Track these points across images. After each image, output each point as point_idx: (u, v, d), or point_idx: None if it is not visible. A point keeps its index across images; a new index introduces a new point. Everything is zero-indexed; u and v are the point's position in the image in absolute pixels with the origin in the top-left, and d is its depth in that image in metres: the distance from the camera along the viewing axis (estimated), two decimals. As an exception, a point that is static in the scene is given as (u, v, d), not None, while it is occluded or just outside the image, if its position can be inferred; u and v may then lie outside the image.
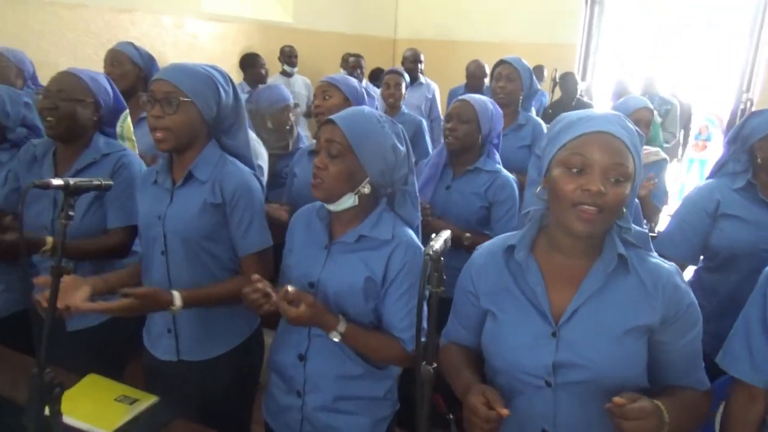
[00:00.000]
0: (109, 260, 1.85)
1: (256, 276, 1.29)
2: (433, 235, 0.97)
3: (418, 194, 1.47)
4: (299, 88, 5.18)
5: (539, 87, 2.84)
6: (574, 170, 1.03)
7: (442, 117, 4.64)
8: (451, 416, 1.88)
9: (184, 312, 1.53)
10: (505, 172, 2.18)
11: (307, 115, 4.92)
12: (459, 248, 2.00)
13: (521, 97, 2.65)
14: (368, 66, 5.69)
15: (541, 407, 1.12)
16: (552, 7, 6.53)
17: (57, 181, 1.16)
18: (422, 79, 4.80)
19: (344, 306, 1.37)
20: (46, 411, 1.18)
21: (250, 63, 4.77)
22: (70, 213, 1.18)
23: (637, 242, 1.12)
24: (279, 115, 2.88)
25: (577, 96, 5.15)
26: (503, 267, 1.18)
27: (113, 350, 1.85)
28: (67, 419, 1.26)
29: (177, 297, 1.45)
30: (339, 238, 1.40)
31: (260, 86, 3.12)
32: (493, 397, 1.04)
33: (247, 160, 1.62)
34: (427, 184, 2.18)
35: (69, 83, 1.75)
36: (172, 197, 1.54)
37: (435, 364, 0.96)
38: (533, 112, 2.82)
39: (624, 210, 1.06)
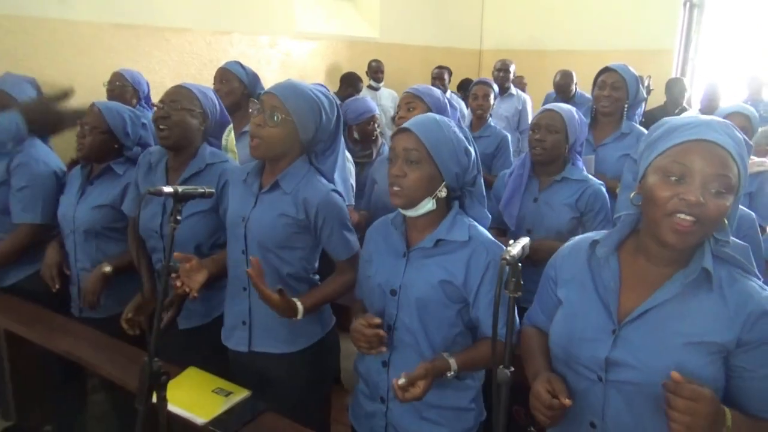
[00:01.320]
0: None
1: (374, 320, 1.37)
2: (511, 241, 0.99)
3: (484, 194, 1.49)
4: (386, 100, 5.30)
5: (645, 95, 2.74)
6: (673, 178, 1.00)
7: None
8: (533, 429, 1.86)
9: (260, 305, 1.59)
10: (593, 179, 2.13)
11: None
12: None
13: (626, 106, 2.56)
14: (455, 77, 5.72)
15: (591, 401, 1.12)
16: (646, 12, 6.26)
17: (167, 189, 1.29)
18: (513, 89, 4.77)
19: (427, 311, 1.39)
20: (154, 398, 1.31)
21: (350, 82, 4.95)
22: (178, 218, 1.31)
23: (736, 257, 1.07)
24: (365, 126, 3.00)
25: (682, 104, 4.88)
26: (584, 260, 1.19)
27: (213, 349, 1.94)
28: (170, 406, 1.37)
29: (301, 310, 1.56)
30: (417, 245, 1.43)
31: (348, 100, 3.24)
32: (558, 387, 1.07)
33: (332, 181, 1.69)
34: (513, 197, 2.15)
35: (180, 95, 1.90)
36: (256, 201, 1.64)
37: (512, 368, 0.97)
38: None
39: (725, 222, 1.02)
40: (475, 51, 7.41)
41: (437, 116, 1.43)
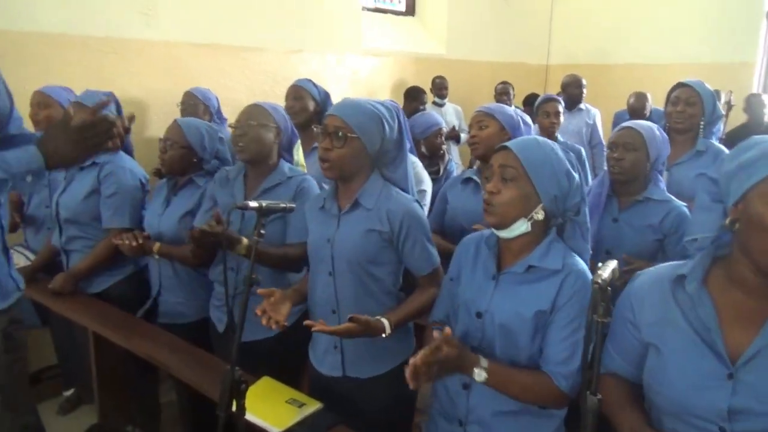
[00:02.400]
0: (285, 270, 2.04)
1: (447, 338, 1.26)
2: (600, 264, 0.96)
3: (589, 226, 1.43)
4: (450, 116, 5.29)
5: (722, 112, 2.62)
6: None
7: (603, 143, 4.46)
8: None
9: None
10: (676, 200, 2.04)
11: (450, 137, 4.98)
12: None
13: (702, 123, 2.46)
14: (520, 93, 5.66)
15: None
16: (724, 23, 5.98)
17: (253, 204, 1.35)
18: (582, 104, 4.67)
19: (511, 339, 1.35)
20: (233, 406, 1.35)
21: (414, 96, 4.99)
22: (262, 231, 1.35)
23: None
24: (433, 140, 3.01)
25: (766, 122, 4.61)
26: (669, 297, 1.11)
27: (287, 361, 2.00)
28: (247, 414, 1.42)
29: (387, 325, 1.55)
30: (508, 268, 1.39)
31: (415, 115, 3.28)
32: None
33: (407, 190, 1.70)
34: (591, 216, 2.05)
35: (255, 112, 2.01)
36: (339, 222, 1.66)
37: (600, 396, 0.94)
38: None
39: None
40: (542, 66, 7.30)
41: (539, 138, 1.41)
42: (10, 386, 1.58)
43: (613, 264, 0.98)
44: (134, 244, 2.12)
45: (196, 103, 3.40)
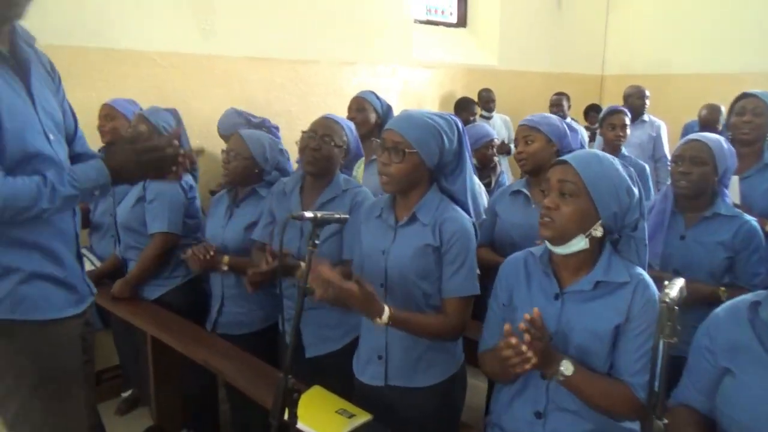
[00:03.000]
0: None
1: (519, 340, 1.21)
2: (666, 282, 0.93)
3: (647, 242, 1.39)
4: (499, 128, 5.23)
5: None
6: None
7: (668, 156, 4.32)
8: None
9: (396, 340, 1.63)
10: (746, 215, 1.95)
11: (501, 150, 4.93)
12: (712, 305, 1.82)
13: None
14: (574, 104, 5.55)
15: None
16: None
17: (308, 214, 1.36)
18: (646, 116, 4.53)
19: (588, 357, 1.32)
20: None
21: (464, 107, 4.98)
22: (316, 242, 1.37)
23: None
24: (484, 152, 2.99)
25: None
26: (746, 323, 1.08)
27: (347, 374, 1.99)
28: (298, 423, 1.42)
29: (387, 314, 1.49)
30: (572, 286, 1.35)
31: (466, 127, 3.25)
32: None
33: (464, 205, 1.67)
34: (656, 234, 1.99)
35: (333, 130, 2.03)
36: (395, 235, 1.66)
37: (666, 420, 0.90)
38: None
39: None
40: (597, 76, 7.14)
41: (599, 152, 1.38)
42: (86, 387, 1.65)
43: (680, 282, 0.94)
44: (207, 257, 2.12)
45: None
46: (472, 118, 4.97)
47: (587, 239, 1.31)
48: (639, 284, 1.30)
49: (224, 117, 3.38)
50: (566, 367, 1.25)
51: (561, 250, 1.35)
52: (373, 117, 2.88)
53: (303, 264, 1.86)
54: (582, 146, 2.32)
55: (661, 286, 0.93)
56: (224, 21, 3.69)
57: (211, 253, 2.14)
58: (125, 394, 3.06)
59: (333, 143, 2.00)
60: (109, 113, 2.76)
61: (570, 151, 2.12)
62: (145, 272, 2.46)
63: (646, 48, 6.71)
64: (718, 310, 1.17)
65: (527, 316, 1.22)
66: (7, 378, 1.46)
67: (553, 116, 2.25)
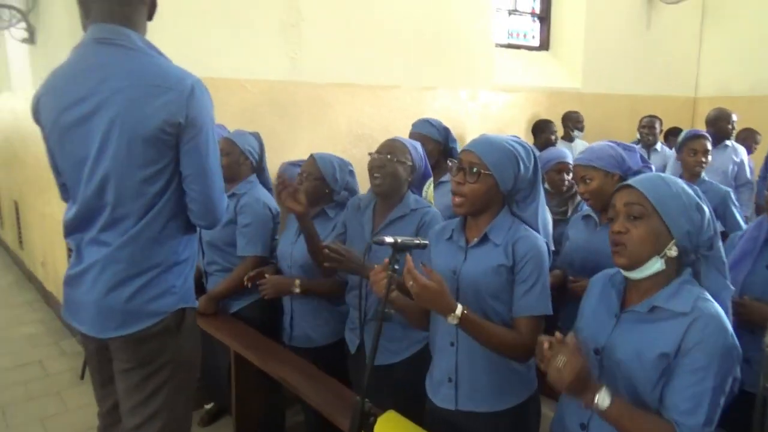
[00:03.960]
0: None
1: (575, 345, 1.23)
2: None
3: (725, 260, 1.33)
4: (579, 152, 5.08)
5: None
6: None
7: (752, 182, 4.06)
8: None
9: (466, 363, 1.62)
10: None
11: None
12: None
13: None
14: (665, 127, 5.30)
15: None
16: None
17: (389, 239, 1.39)
18: (729, 141, 4.29)
19: (633, 378, 1.28)
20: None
21: (542, 128, 4.91)
22: (396, 266, 1.39)
23: None
24: (553, 175, 2.87)
25: None
26: None
27: (413, 389, 1.99)
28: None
29: (459, 309, 1.45)
30: (631, 307, 1.33)
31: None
32: None
33: (536, 230, 1.66)
34: (743, 260, 1.90)
35: (396, 148, 2.11)
36: (466, 255, 1.66)
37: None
38: None
39: None
40: (689, 98, 6.80)
41: (660, 173, 1.36)
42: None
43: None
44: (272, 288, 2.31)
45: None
46: (553, 137, 4.86)
47: (663, 260, 1.28)
48: (700, 318, 1.22)
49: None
50: (602, 399, 1.20)
51: (636, 274, 1.32)
52: (434, 148, 2.93)
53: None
54: (645, 162, 2.22)
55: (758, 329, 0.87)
56: (311, 49, 3.85)
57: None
58: (207, 406, 3.18)
59: (397, 160, 2.06)
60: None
61: (634, 173, 2.06)
62: (231, 291, 2.58)
63: (743, 68, 6.33)
64: None
65: (558, 335, 1.23)
66: (160, 359, 1.62)
67: (604, 144, 2.17)
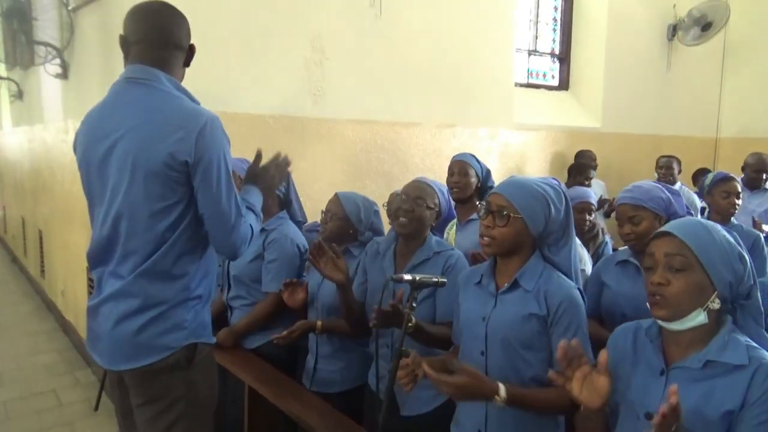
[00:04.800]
0: (437, 348, 1.98)
1: None
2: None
3: (762, 309, 1.28)
4: (596, 190, 5.04)
5: None
6: None
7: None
8: None
9: (496, 414, 1.57)
10: None
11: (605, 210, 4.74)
12: None
13: None
14: (686, 168, 5.26)
15: None
16: None
17: (407, 277, 1.38)
18: (766, 185, 4.24)
19: None
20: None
21: (579, 170, 4.92)
22: (414, 304, 1.37)
23: None
24: (575, 215, 2.84)
25: None
26: None
27: None
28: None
29: (502, 389, 1.43)
30: (679, 363, 1.26)
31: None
32: None
33: (569, 274, 1.62)
34: None
35: (425, 192, 2.06)
36: (496, 301, 1.62)
37: None
38: None
39: None
40: (711, 139, 6.75)
41: (701, 219, 1.31)
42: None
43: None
44: (296, 335, 2.28)
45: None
46: (586, 183, 4.83)
47: (705, 313, 1.22)
48: (760, 368, 1.17)
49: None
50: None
51: (676, 326, 1.26)
52: (474, 181, 2.88)
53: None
54: (688, 209, 2.16)
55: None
56: (333, 86, 3.92)
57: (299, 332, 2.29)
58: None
59: (425, 205, 2.02)
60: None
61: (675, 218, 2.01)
62: (254, 326, 2.55)
63: (765, 108, 6.29)
64: None
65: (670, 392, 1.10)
66: (171, 395, 1.61)
67: (653, 185, 2.10)
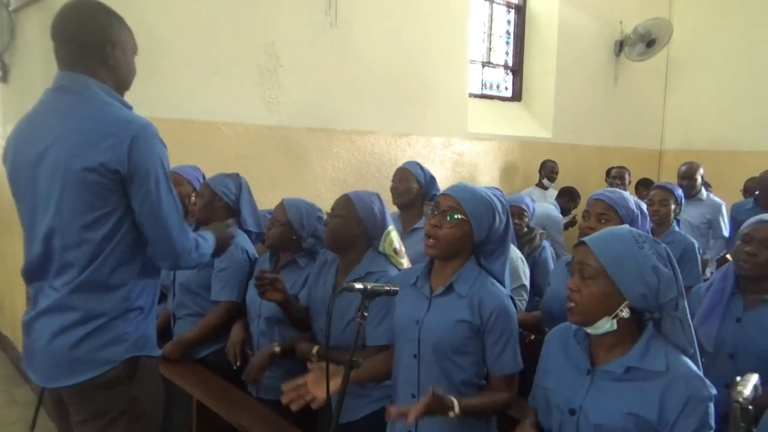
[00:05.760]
0: None
1: None
2: (738, 378, 0.86)
3: (690, 322, 1.31)
4: (551, 199, 5.18)
5: None
6: None
7: (724, 236, 4.14)
8: None
9: (429, 417, 1.53)
10: None
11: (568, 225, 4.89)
12: None
13: None
14: (633, 178, 5.44)
15: None
16: None
17: (358, 286, 1.36)
18: (703, 194, 4.36)
19: None
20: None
21: (571, 196, 5.11)
22: (365, 314, 1.36)
23: None
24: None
25: None
26: None
27: None
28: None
29: (456, 405, 1.44)
30: (603, 366, 1.31)
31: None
32: None
33: (502, 283, 1.66)
34: (711, 314, 1.90)
35: (339, 203, 2.06)
36: (429, 305, 1.63)
37: None
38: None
39: None
40: (656, 151, 7.03)
41: (625, 229, 1.33)
42: None
43: (754, 379, 0.87)
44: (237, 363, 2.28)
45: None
46: (574, 207, 5.03)
47: (614, 321, 1.27)
48: (677, 379, 1.21)
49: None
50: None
51: (591, 331, 1.32)
52: (415, 187, 2.94)
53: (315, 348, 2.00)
54: (650, 232, 2.22)
55: (732, 384, 0.86)
56: (288, 94, 3.89)
57: (238, 363, 2.29)
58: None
59: (337, 215, 2.02)
60: (175, 180, 2.88)
61: None
62: (203, 338, 2.48)
63: (706, 124, 6.60)
64: None
65: None
66: (113, 411, 1.54)
67: (631, 197, 2.15)
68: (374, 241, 2.06)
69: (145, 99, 3.38)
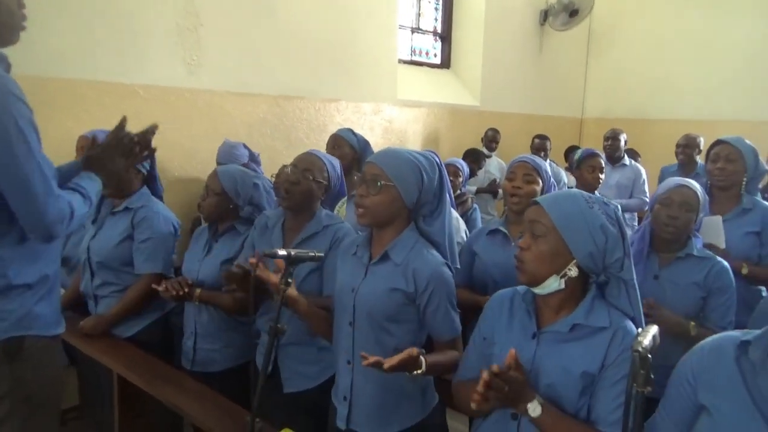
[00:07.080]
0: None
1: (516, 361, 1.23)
2: (639, 330, 0.91)
3: (636, 282, 1.35)
4: (493, 169, 5.28)
5: (766, 168, 2.55)
6: None
7: (645, 200, 4.38)
8: None
9: (362, 382, 1.59)
10: (716, 257, 1.98)
11: (489, 191, 5.01)
12: (684, 339, 1.82)
13: (745, 180, 2.41)
14: (555, 145, 5.64)
15: None
16: (755, 82, 5.93)
17: (282, 252, 1.34)
18: (626, 159, 4.66)
19: (557, 400, 1.28)
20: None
21: (473, 157, 5.04)
22: (290, 280, 1.34)
23: None
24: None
25: None
26: (732, 363, 1.05)
27: (322, 414, 1.91)
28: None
29: (424, 363, 1.41)
30: (549, 327, 1.33)
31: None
32: None
33: (441, 246, 1.65)
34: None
35: (314, 165, 2.01)
36: (366, 272, 1.63)
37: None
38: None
39: None
40: (577, 119, 7.30)
41: (575, 192, 1.36)
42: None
43: (653, 330, 0.92)
44: (180, 293, 2.09)
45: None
46: (478, 169, 5.03)
47: (562, 280, 1.30)
48: (618, 331, 1.27)
49: (221, 147, 3.47)
50: (533, 409, 1.22)
51: (538, 290, 1.33)
52: (349, 153, 2.92)
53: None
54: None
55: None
56: (209, 56, 3.71)
57: (185, 289, 2.10)
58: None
59: (312, 178, 1.98)
60: (86, 144, 2.70)
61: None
62: (128, 312, 2.37)
63: (624, 93, 6.91)
64: (704, 343, 1.14)
65: (512, 354, 1.20)
66: (5, 401, 1.45)
67: (551, 163, 2.30)
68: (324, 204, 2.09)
69: (47, 56, 3.15)
